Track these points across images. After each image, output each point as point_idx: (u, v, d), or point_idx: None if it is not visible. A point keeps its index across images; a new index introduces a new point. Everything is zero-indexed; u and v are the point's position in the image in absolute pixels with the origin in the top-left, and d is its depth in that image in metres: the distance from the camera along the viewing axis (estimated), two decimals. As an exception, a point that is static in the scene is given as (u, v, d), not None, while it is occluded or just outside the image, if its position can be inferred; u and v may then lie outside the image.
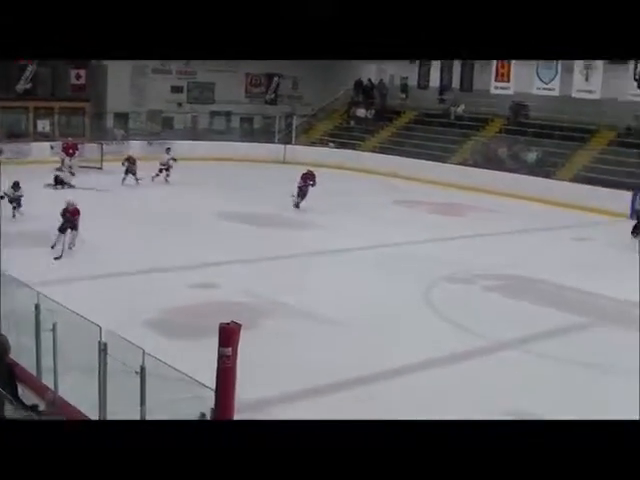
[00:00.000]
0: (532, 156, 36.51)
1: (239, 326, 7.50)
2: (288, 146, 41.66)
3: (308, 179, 28.04)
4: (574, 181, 33.77)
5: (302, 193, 27.71)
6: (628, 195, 30.95)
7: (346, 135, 43.33)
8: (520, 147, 37.30)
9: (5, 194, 27.00)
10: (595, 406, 12.28)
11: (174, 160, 32.42)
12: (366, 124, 43.76)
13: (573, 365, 14.18)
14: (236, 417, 8.20)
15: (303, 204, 27.45)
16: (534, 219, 28.57)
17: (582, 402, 12.42)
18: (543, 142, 36.69)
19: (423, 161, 37.29)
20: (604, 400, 12.58)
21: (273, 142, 42.33)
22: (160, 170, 32.27)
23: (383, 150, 40.46)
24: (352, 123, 44.43)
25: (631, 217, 30.31)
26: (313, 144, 42.89)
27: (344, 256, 21.17)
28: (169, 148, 33.15)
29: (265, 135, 43.10)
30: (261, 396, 11.66)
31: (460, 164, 37.67)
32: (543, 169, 35.48)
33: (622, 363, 14.24)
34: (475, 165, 37.19)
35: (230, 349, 7.20)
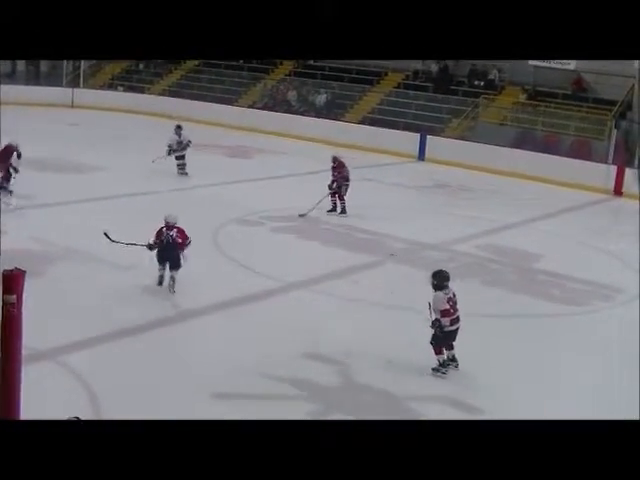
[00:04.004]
0: (321, 98, 36.99)
1: (23, 272, 7.35)
2: (76, 90, 40.56)
3: (339, 171, 21.55)
4: (362, 123, 34.49)
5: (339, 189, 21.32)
6: (416, 137, 31.87)
7: (135, 78, 42.67)
8: (309, 89, 37.70)
9: (169, 146, 24.35)
10: (386, 341, 12.78)
11: None
12: (155, 67, 43.17)
13: (363, 304, 14.56)
14: (28, 367, 8.04)
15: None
16: (322, 161, 28.92)
17: (372, 339, 12.88)
18: (332, 84, 37.24)
19: (212, 104, 37.22)
20: (393, 336, 13.08)
21: (61, 85, 41.09)
22: None
23: (172, 93, 40.11)
24: (141, 66, 43.70)
25: (419, 158, 31.30)
26: (102, 87, 42.06)
27: (133, 200, 20.96)
28: None
29: (52, 78, 41.79)
30: (55, 344, 11.51)
31: (249, 107, 37.81)
32: (332, 111, 36.05)
33: (410, 301, 14.78)
34: (264, 108, 37.40)
35: (14, 296, 7.00)
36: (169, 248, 14.15)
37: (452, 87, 34.98)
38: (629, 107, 30.84)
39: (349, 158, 27.12)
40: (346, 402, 10.76)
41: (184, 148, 24.27)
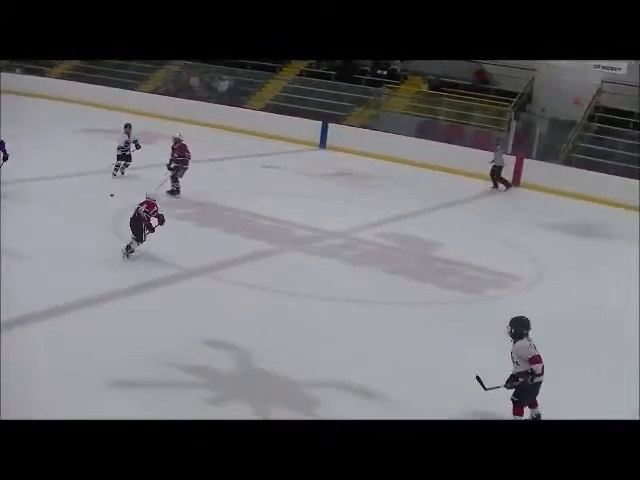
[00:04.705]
0: (224, 85, 36.77)
1: None
2: (-32, 72, 39.50)
3: (179, 153, 21.54)
4: (265, 110, 34.34)
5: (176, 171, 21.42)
6: (318, 124, 31.88)
7: (33, 60, 41.74)
8: (212, 76, 37.43)
9: (119, 148, 22.98)
10: (288, 328, 12.79)
11: None
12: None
13: (263, 291, 14.51)
14: None
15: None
16: (226, 147, 28.85)
17: (275, 325, 12.86)
18: (235, 71, 36.98)
19: (113, 88, 36.64)
20: (295, 322, 13.13)
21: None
22: None
23: (72, 77, 39.35)
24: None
25: (321, 146, 31.33)
26: (-2, 69, 41.09)
27: (30, 186, 20.48)
28: None
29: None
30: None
31: (151, 92, 37.34)
32: (234, 98, 35.84)
33: (311, 288, 14.80)
34: (166, 93, 36.98)
35: None
36: (135, 221, 15.35)
37: (355, 76, 34.99)
38: (529, 99, 31.36)
39: (250, 146, 27.15)
40: (246, 389, 10.69)
41: (134, 148, 23.31)
